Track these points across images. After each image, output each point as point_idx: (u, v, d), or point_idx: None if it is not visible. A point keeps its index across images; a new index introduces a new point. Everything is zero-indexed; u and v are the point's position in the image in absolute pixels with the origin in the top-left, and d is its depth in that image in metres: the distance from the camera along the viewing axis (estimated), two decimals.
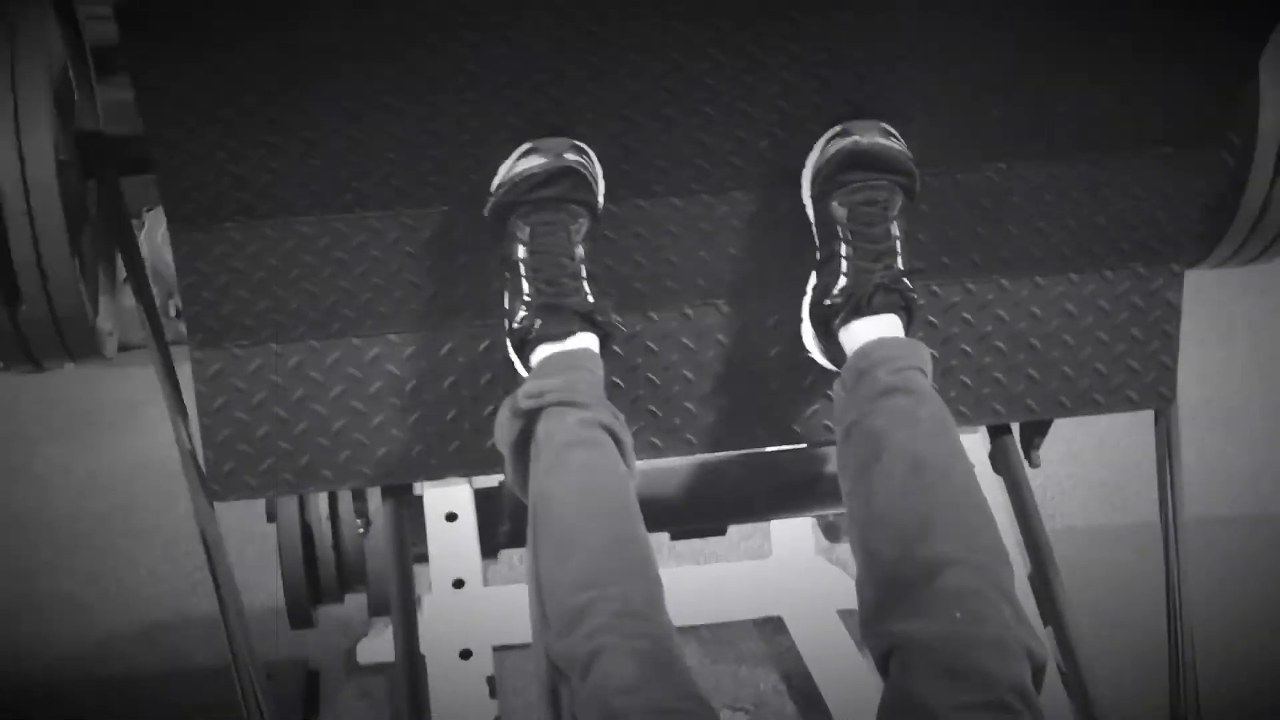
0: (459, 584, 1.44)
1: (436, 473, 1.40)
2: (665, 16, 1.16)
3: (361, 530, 1.71)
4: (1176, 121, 1.26)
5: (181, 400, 1.35)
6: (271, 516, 1.78)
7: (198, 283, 1.24)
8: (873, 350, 1.22)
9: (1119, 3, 1.18)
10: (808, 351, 1.33)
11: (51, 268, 1.22)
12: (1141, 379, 1.39)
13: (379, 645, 2.01)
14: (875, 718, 1.03)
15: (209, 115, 1.15)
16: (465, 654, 1.40)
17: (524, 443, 1.20)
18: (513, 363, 1.29)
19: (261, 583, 1.93)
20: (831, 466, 1.46)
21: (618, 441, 1.20)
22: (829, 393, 1.30)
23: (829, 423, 1.34)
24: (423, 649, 1.37)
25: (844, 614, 2.05)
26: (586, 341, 1.24)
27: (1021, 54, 1.22)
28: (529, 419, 1.20)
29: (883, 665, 1.07)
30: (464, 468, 1.40)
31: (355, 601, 1.84)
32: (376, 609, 1.87)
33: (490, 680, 1.39)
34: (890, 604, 1.08)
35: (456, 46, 1.15)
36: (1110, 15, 1.19)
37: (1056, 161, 1.29)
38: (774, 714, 1.90)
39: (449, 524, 1.46)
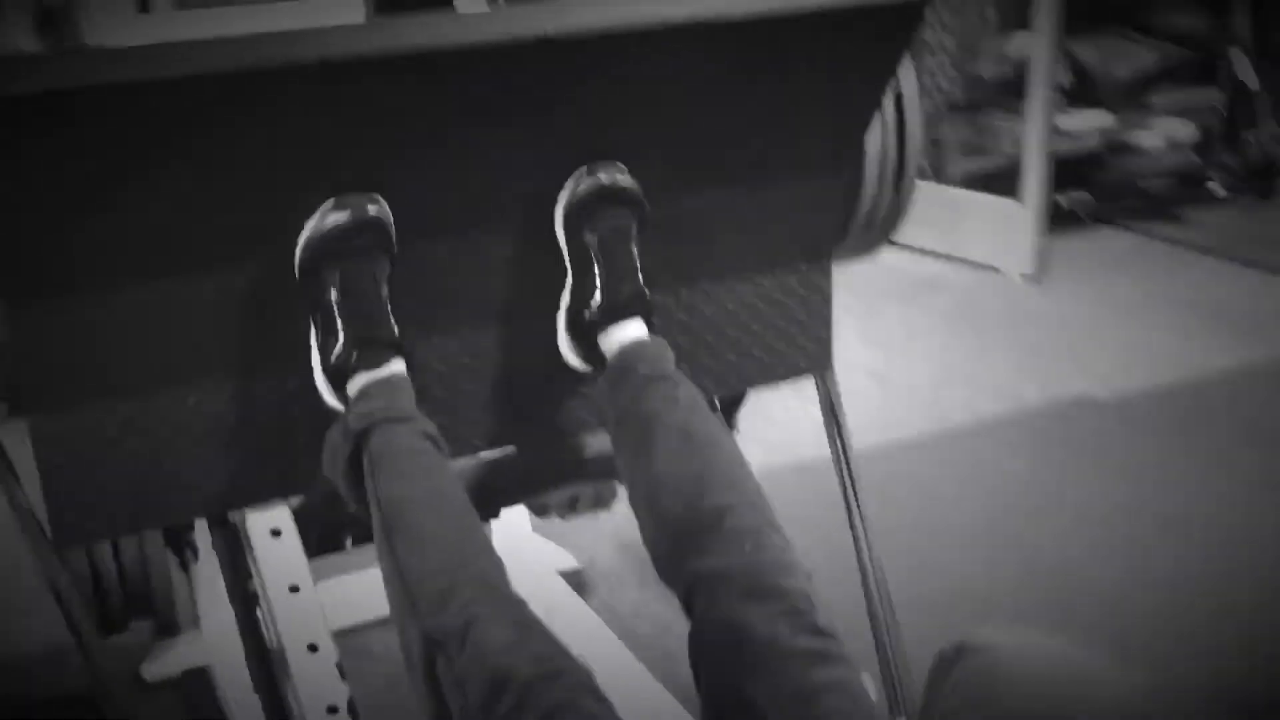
0: (294, 589, 1.63)
1: (259, 498, 1.54)
2: (431, 80, 1.30)
3: (193, 559, 1.85)
4: (816, 153, 1.60)
5: (8, 461, 1.45)
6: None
7: (27, 354, 1.32)
8: (630, 351, 1.44)
9: (772, 70, 1.46)
10: (564, 358, 1.53)
11: None
12: (806, 351, 1.73)
13: (165, 663, 2.14)
14: (688, 647, 1.22)
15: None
16: (312, 648, 1.59)
17: (356, 460, 1.34)
18: (323, 395, 1.41)
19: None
20: (588, 450, 1.75)
21: (439, 447, 1.35)
22: (583, 390, 1.54)
23: (584, 415, 1.59)
24: (273, 648, 1.57)
25: (564, 573, 2.36)
26: (397, 367, 1.38)
27: (706, 107, 1.47)
28: (360, 439, 1.33)
29: (688, 602, 1.26)
30: (283, 491, 1.56)
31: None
32: (164, 630, 2.01)
33: (339, 666, 1.59)
34: (686, 549, 1.28)
35: (256, 123, 1.27)
36: (764, 79, 1.47)
37: (734, 188, 1.57)
38: None
39: (275, 539, 1.64)
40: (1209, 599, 2.27)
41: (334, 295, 1.37)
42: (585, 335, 1.48)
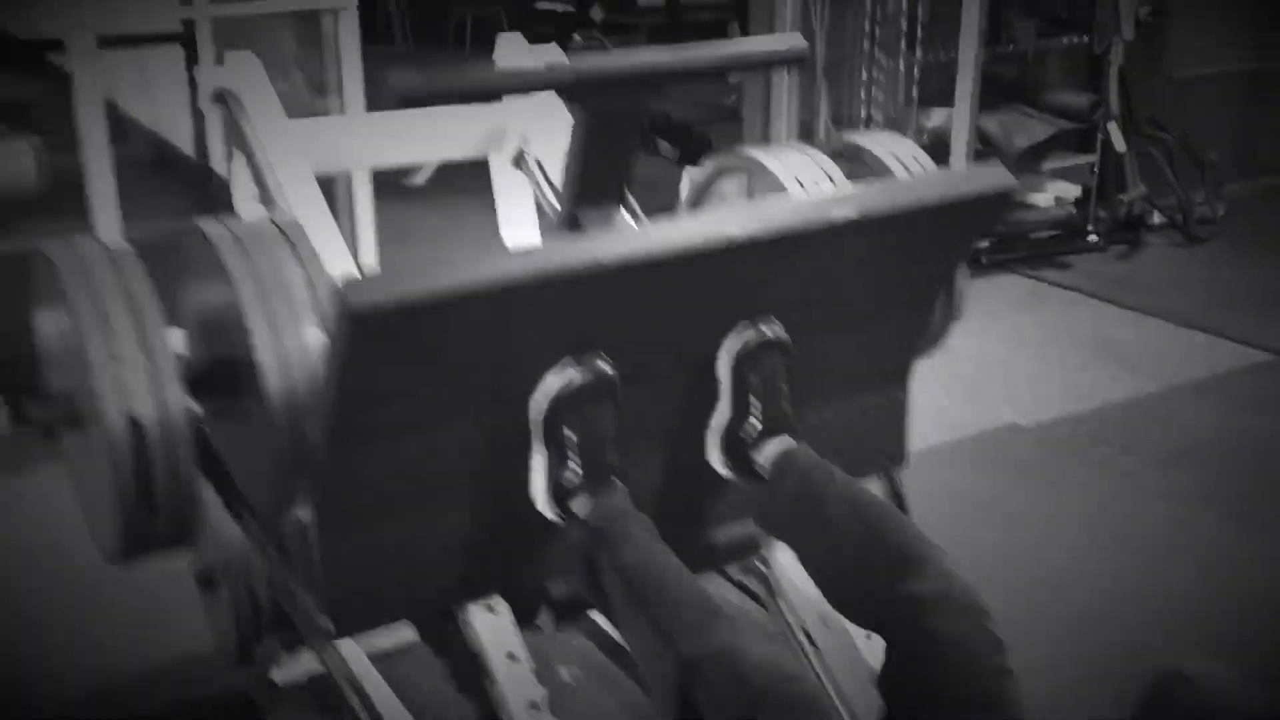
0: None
1: (491, 591, 1.74)
2: (651, 270, 1.53)
3: None
4: (916, 295, 1.85)
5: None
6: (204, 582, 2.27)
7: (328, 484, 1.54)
8: (789, 456, 1.71)
9: (896, 244, 1.71)
10: (713, 466, 1.77)
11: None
12: (885, 451, 1.97)
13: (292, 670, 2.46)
14: (887, 670, 1.47)
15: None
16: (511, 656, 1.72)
17: (595, 552, 1.59)
18: (544, 511, 1.64)
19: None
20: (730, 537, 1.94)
21: (657, 536, 1.62)
22: (729, 492, 1.79)
23: (725, 509, 1.84)
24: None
25: None
26: (618, 485, 1.64)
27: (843, 271, 1.72)
28: (597, 534, 1.59)
29: (880, 627, 1.53)
30: (510, 583, 1.73)
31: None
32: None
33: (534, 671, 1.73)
34: (875, 583, 1.53)
35: (531, 310, 1.51)
36: (891, 251, 1.72)
37: (851, 329, 1.81)
38: None
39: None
40: (1132, 602, 2.76)
41: (570, 434, 1.61)
42: (740, 450, 1.75)
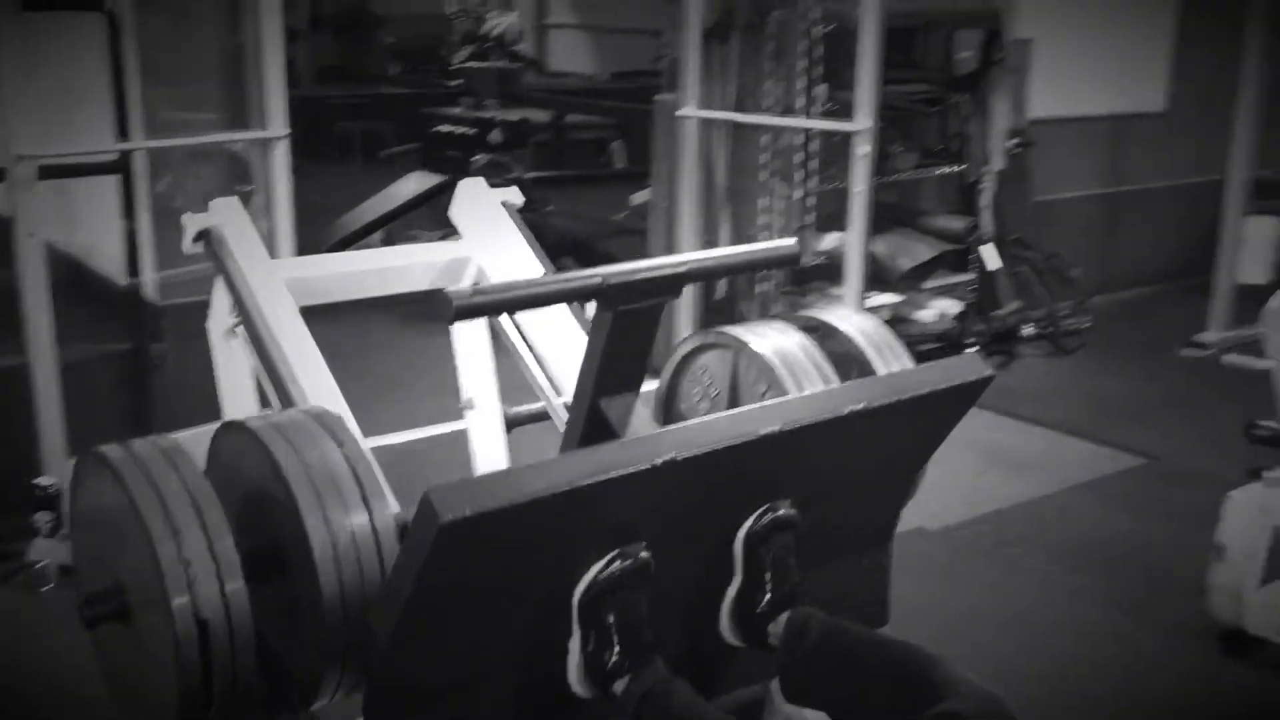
0: None
1: None
2: (688, 466, 1.64)
3: None
4: (903, 469, 2.07)
5: None
6: None
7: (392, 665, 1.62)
8: (797, 618, 1.81)
9: (891, 430, 1.89)
10: (724, 637, 1.90)
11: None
12: (872, 609, 2.12)
13: None
14: None
15: None
16: None
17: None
18: (576, 689, 1.74)
19: None
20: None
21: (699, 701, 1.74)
22: (746, 655, 1.91)
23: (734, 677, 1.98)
24: None
25: None
26: (658, 662, 1.73)
27: (848, 455, 1.91)
28: (641, 707, 1.69)
29: None
30: None
31: None
32: None
33: None
34: (906, 706, 1.63)
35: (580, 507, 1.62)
36: (886, 436, 1.91)
37: (849, 502, 1.97)
38: None
39: None
40: (1043, 685, 3.03)
41: (612, 619, 1.70)
42: (753, 621, 1.86)
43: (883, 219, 5.12)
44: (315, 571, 1.64)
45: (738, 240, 5.09)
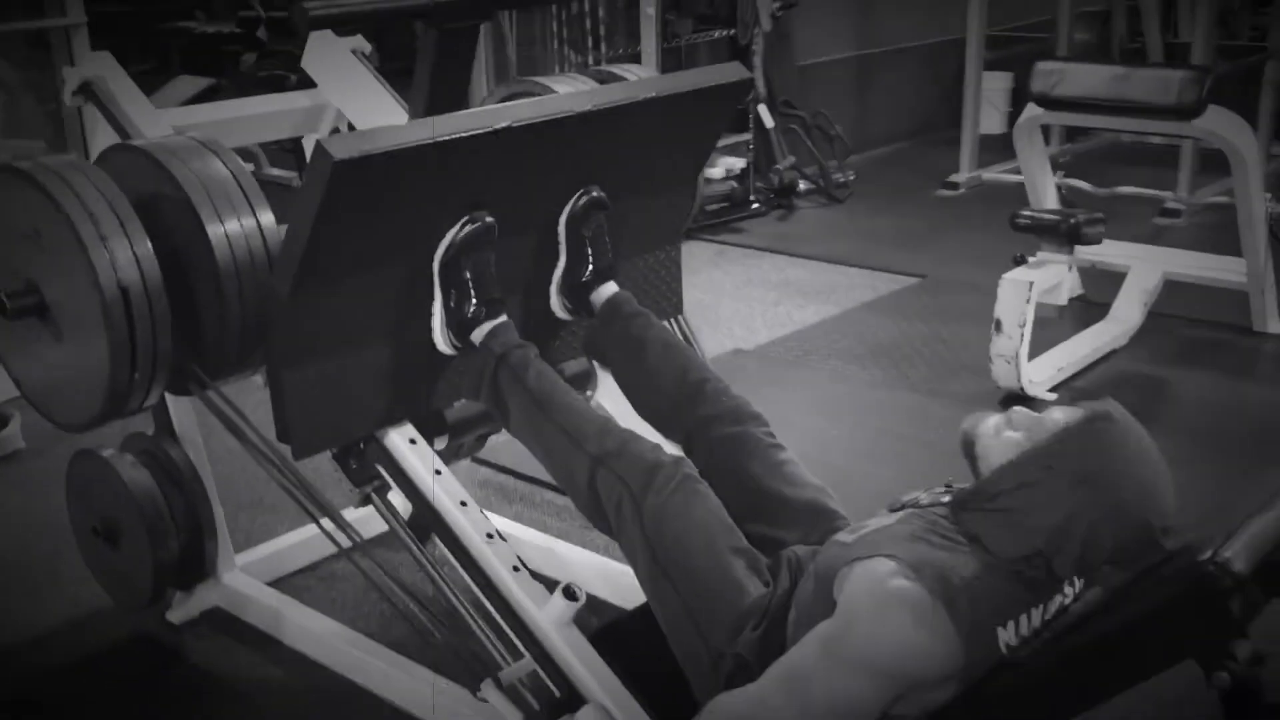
0: (438, 472, 2.12)
1: (412, 412, 2.15)
2: (526, 138, 1.99)
3: None
4: (684, 172, 2.46)
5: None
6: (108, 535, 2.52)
7: (289, 332, 1.95)
8: (616, 299, 2.19)
9: (675, 125, 2.31)
10: (554, 312, 2.25)
11: None
12: (670, 300, 2.52)
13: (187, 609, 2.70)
14: (699, 471, 1.90)
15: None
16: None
17: (499, 372, 2.02)
18: (440, 346, 2.08)
19: None
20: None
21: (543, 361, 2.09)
22: (573, 329, 2.30)
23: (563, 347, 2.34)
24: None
25: None
26: (505, 315, 2.07)
27: (641, 149, 2.26)
28: (501, 359, 2.02)
29: (689, 443, 2.00)
30: (425, 404, 2.17)
31: None
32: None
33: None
34: (683, 408, 2.06)
35: (449, 167, 1.96)
36: (671, 131, 2.31)
37: (647, 197, 2.35)
38: None
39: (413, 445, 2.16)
40: (848, 451, 3.54)
41: (466, 274, 2.04)
42: (577, 293, 2.21)
43: None
44: (215, 262, 1.95)
45: None
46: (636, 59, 5.04)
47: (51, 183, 1.92)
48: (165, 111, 2.51)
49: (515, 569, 2.05)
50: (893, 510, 1.77)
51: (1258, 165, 3.82)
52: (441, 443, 2.28)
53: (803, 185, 6.20)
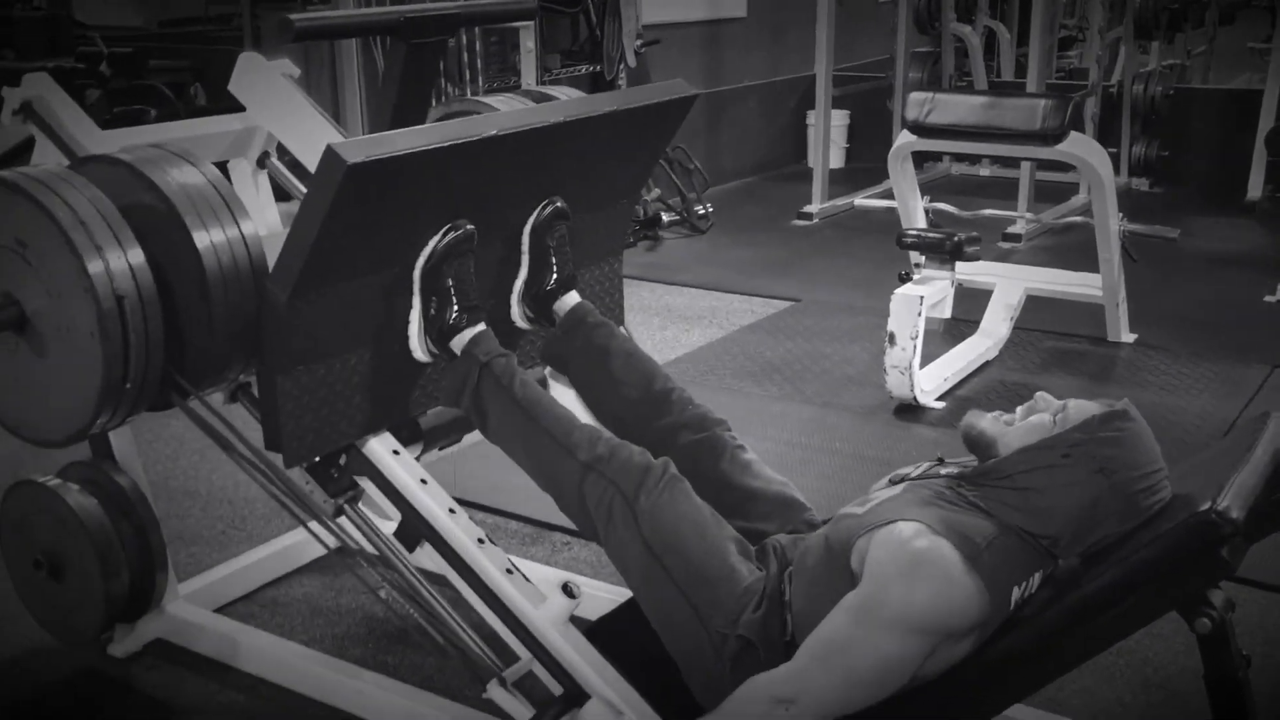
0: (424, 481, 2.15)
1: (393, 419, 2.17)
2: (503, 151, 2.06)
3: None
4: (632, 185, 2.58)
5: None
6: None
7: (284, 336, 1.95)
8: (579, 309, 2.23)
9: (629, 140, 2.43)
10: (514, 321, 2.29)
11: None
12: (613, 312, 2.60)
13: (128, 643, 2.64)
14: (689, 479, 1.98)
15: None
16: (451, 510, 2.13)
17: (483, 381, 2.05)
18: (416, 354, 2.11)
19: None
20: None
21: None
22: (537, 336, 2.34)
23: (530, 352, 2.39)
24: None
25: None
26: (485, 323, 2.10)
27: (598, 164, 2.34)
28: (485, 367, 2.04)
29: (654, 452, 1.96)
30: (404, 413, 2.21)
31: None
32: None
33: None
34: (649, 416, 2.13)
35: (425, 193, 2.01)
36: (625, 146, 2.45)
37: (600, 210, 2.43)
38: None
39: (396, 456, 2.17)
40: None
41: (448, 282, 2.06)
42: (540, 302, 2.25)
43: None
44: (202, 269, 1.94)
45: None
46: (514, 90, 5.11)
47: (40, 192, 1.89)
48: (109, 133, 2.47)
49: (509, 571, 2.09)
50: (893, 484, 1.88)
51: (1113, 186, 4.14)
52: (415, 450, 2.31)
53: (666, 217, 6.36)
